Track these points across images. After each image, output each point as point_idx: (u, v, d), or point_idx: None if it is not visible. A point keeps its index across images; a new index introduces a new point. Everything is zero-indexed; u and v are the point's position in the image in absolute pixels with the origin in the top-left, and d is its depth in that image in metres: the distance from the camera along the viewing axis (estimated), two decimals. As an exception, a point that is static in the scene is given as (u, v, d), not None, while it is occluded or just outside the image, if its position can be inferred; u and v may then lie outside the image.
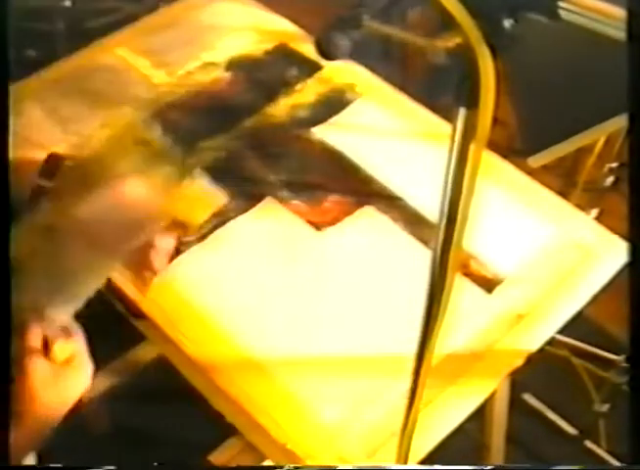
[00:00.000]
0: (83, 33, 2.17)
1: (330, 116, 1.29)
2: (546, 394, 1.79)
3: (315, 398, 0.97)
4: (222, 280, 1.08)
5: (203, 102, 1.32)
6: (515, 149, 1.26)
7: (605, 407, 1.67)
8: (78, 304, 0.90)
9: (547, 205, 1.19)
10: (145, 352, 1.65)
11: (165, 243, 1.03)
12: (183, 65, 1.37)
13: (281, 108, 1.30)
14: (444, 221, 0.61)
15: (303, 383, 0.98)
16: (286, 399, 0.97)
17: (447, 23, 0.48)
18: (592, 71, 1.26)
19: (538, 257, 1.12)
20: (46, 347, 0.84)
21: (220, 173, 1.20)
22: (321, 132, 1.26)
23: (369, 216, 1.16)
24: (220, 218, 1.14)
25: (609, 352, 1.72)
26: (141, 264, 1.04)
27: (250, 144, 1.25)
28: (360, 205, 1.17)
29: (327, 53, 0.94)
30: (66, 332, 0.86)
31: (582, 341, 1.76)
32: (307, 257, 1.11)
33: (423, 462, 0.93)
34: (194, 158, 1.22)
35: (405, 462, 0.85)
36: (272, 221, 1.15)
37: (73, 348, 0.86)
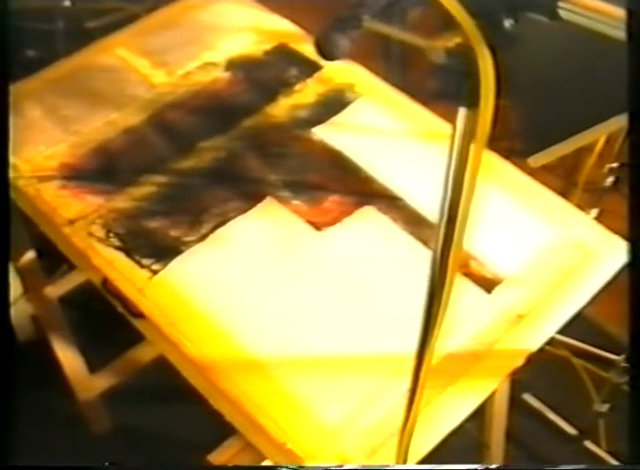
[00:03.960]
0: (83, 33, 2.17)
1: (330, 116, 1.29)
2: (546, 394, 1.79)
3: (315, 398, 0.97)
4: (222, 280, 1.08)
5: (202, 102, 1.32)
6: (515, 149, 1.26)
7: (605, 407, 1.67)
8: None
9: (547, 205, 1.19)
10: (145, 352, 1.65)
11: None
12: (183, 65, 1.37)
13: (281, 108, 1.30)
14: (444, 221, 0.61)
15: (303, 383, 0.98)
16: (286, 399, 0.97)
17: (447, 24, 0.49)
18: (592, 71, 1.26)
19: (538, 257, 1.12)
20: None
21: (220, 173, 1.20)
22: (321, 132, 1.26)
23: (369, 216, 1.15)
24: (220, 218, 1.14)
25: (609, 352, 1.71)
26: None
27: (250, 144, 1.25)
28: (360, 205, 1.17)
29: (326, 53, 0.94)
30: None
31: (582, 341, 1.75)
32: (307, 257, 1.11)
33: (423, 462, 0.93)
34: (194, 158, 1.22)
35: (405, 462, 0.85)
36: (272, 221, 1.15)
37: None
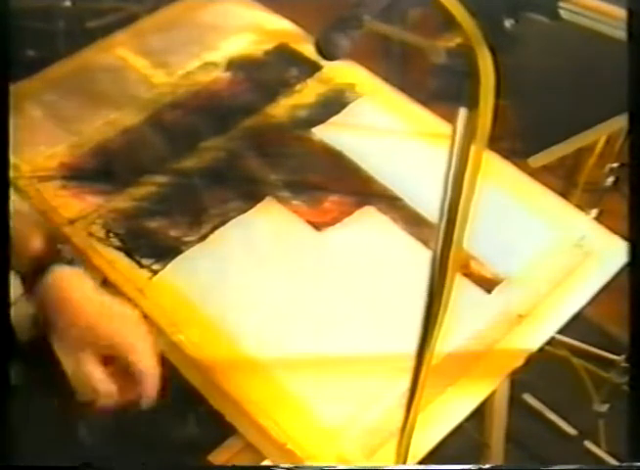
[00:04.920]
0: (83, 33, 2.17)
1: (330, 116, 1.29)
2: (546, 394, 1.79)
3: (315, 398, 0.97)
4: (222, 280, 1.08)
5: (202, 102, 1.32)
6: (515, 149, 1.26)
7: (605, 407, 1.67)
8: None
9: (547, 205, 1.19)
10: (145, 352, 1.65)
11: None
12: (183, 65, 1.37)
13: (281, 108, 1.30)
14: (444, 221, 0.61)
15: (303, 383, 0.98)
16: (286, 399, 0.97)
17: (448, 24, 0.49)
18: (592, 71, 1.26)
19: (538, 257, 1.12)
20: None
21: (220, 173, 1.20)
22: (321, 132, 1.26)
23: (369, 217, 1.15)
24: (220, 218, 1.14)
25: (609, 352, 1.72)
26: None
27: (250, 144, 1.25)
28: (360, 205, 1.17)
29: (327, 53, 0.94)
30: None
31: (582, 341, 1.75)
32: (307, 257, 1.11)
33: (423, 462, 0.93)
34: (194, 158, 1.22)
35: (405, 462, 0.85)
36: (272, 221, 1.15)
37: None
